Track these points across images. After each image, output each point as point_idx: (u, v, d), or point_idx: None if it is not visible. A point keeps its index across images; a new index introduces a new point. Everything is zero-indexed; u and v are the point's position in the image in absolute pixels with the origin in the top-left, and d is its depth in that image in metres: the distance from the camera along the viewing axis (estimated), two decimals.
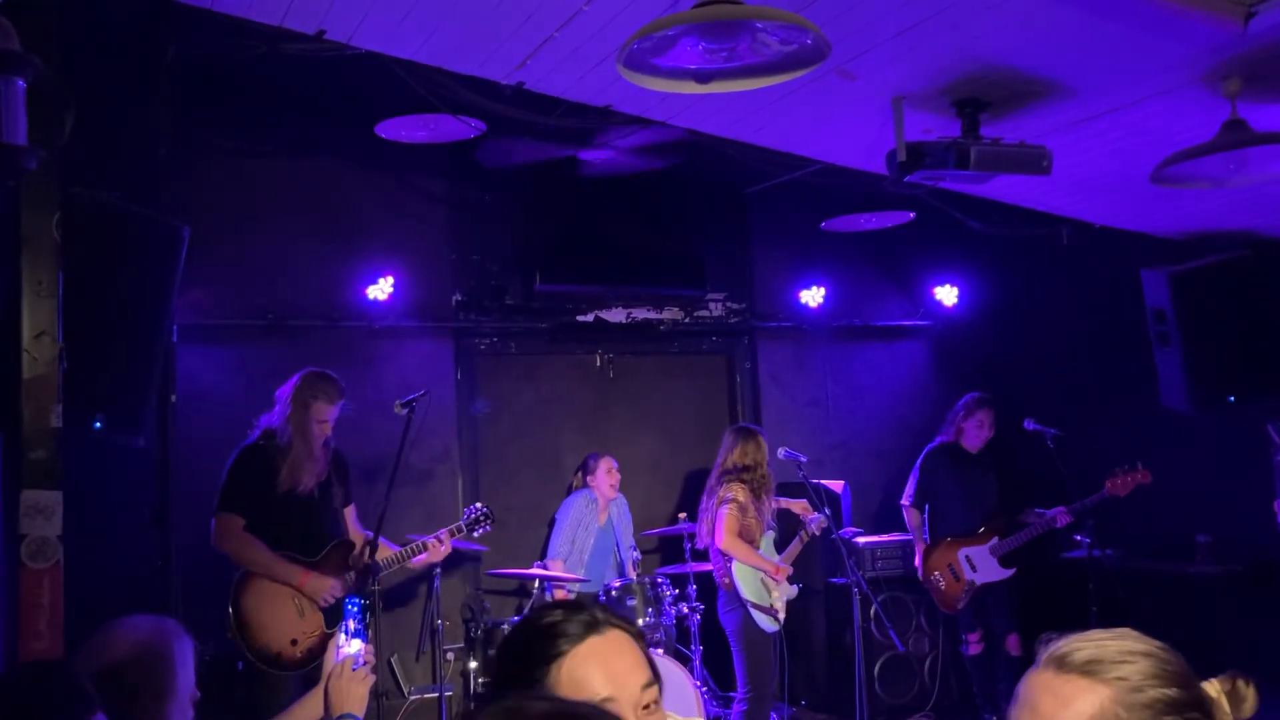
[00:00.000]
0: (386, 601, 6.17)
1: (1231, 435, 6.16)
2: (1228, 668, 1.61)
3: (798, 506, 6.12)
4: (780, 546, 6.06)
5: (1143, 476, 5.89)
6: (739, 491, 5.75)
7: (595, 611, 1.69)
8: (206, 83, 5.49)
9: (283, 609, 4.81)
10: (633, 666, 1.65)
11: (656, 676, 1.69)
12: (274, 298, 6.41)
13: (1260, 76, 3.88)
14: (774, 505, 6.11)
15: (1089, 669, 1.53)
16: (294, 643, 4.79)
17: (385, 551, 5.12)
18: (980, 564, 6.20)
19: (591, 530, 6.56)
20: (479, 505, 5.50)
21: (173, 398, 5.68)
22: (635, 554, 6.57)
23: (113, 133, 5.33)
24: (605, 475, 6.61)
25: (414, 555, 5.12)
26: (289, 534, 4.87)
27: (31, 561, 3.33)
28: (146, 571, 5.63)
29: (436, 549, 5.15)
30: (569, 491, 6.81)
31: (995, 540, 6.21)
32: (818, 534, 6.03)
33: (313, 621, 4.84)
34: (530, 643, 1.66)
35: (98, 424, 4.08)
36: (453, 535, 5.27)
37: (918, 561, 6.46)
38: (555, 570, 6.38)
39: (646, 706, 1.63)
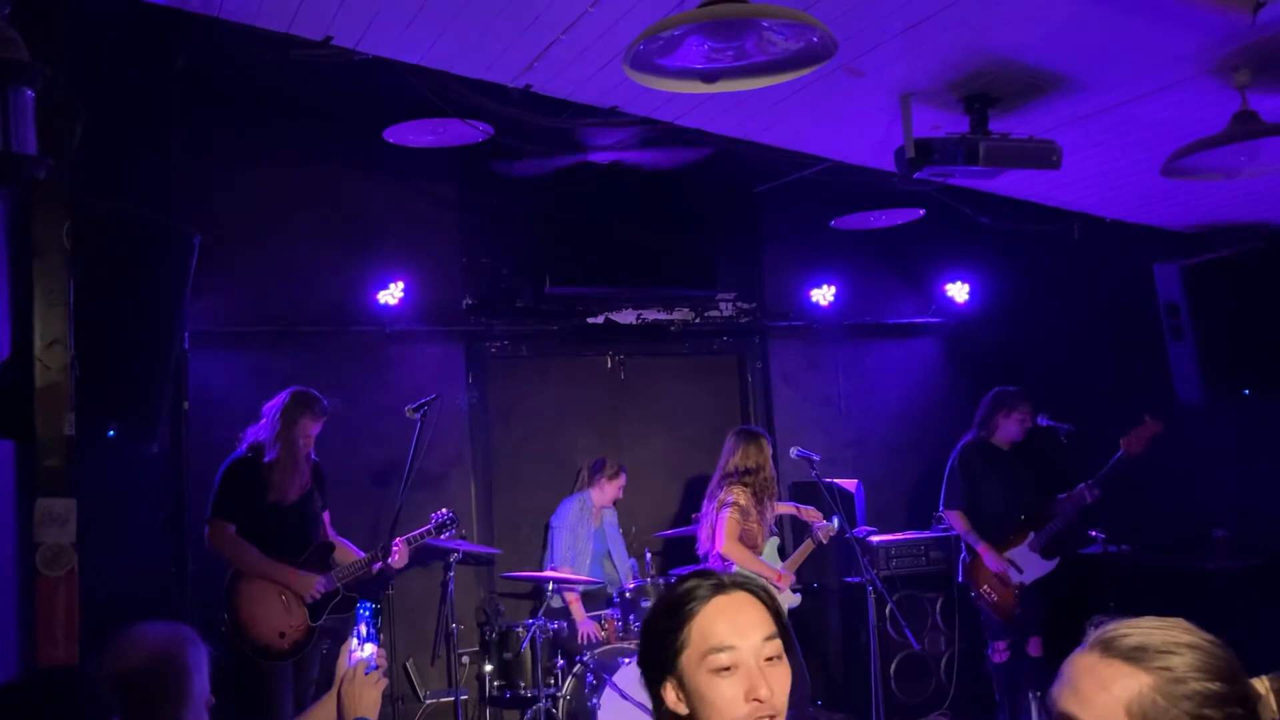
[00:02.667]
0: (401, 606, 6.19)
1: (1247, 429, 6.12)
2: (1252, 661, 1.59)
3: (807, 514, 6.08)
4: (791, 551, 6.03)
5: (1154, 426, 5.80)
6: (740, 495, 5.67)
7: (723, 576, 1.91)
8: (215, 91, 5.51)
9: (271, 604, 5.13)
10: (755, 621, 1.84)
11: (785, 634, 1.88)
12: (285, 303, 6.43)
13: (1270, 67, 3.86)
14: (785, 510, 6.07)
15: (1133, 655, 1.54)
16: (281, 635, 5.12)
17: (349, 556, 5.43)
18: (1025, 563, 6.08)
19: (588, 533, 6.54)
20: (445, 511, 5.67)
21: (185, 404, 5.73)
22: (632, 562, 6.56)
23: (123, 142, 5.36)
24: (616, 490, 6.59)
25: (373, 562, 5.37)
26: (275, 539, 5.20)
27: (47, 569, 3.34)
28: (161, 577, 5.67)
29: (396, 557, 5.38)
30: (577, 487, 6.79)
31: (1032, 535, 6.12)
32: (824, 541, 5.97)
33: (298, 615, 5.17)
34: (669, 611, 1.87)
35: (111, 432, 4.10)
36: (413, 544, 5.49)
37: (961, 572, 6.27)
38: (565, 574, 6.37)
39: (769, 659, 1.82)
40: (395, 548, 5.37)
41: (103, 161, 4.44)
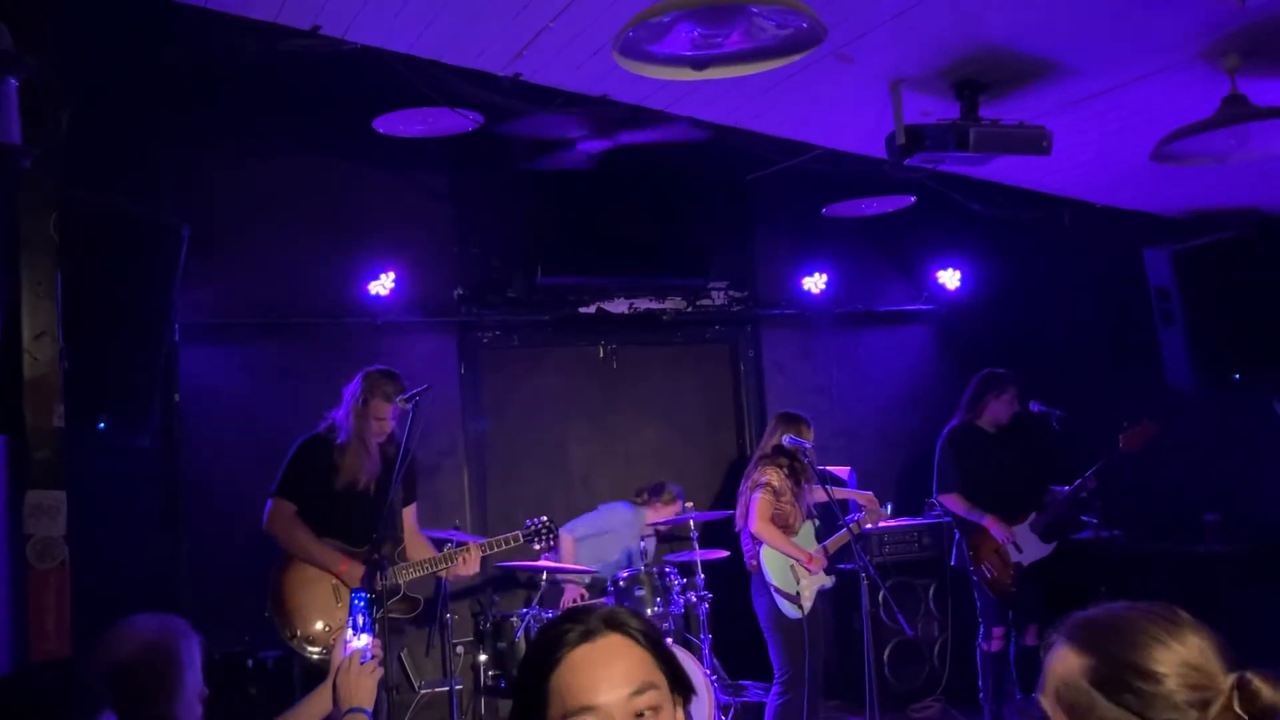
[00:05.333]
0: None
1: (1238, 413, 6.14)
2: (1243, 644, 1.55)
3: (863, 497, 6.09)
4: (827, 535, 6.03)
5: (1153, 427, 5.82)
6: (774, 475, 5.74)
7: (593, 619, 1.61)
8: (204, 81, 5.48)
9: (320, 593, 4.85)
10: (621, 674, 1.56)
11: (673, 680, 1.61)
12: (276, 295, 6.41)
13: (1259, 51, 3.86)
14: (857, 497, 6.06)
15: (1077, 638, 1.52)
16: (328, 628, 4.82)
17: (423, 553, 5.08)
18: (1025, 543, 6.10)
19: (622, 544, 6.49)
20: (543, 518, 5.40)
21: (176, 397, 5.69)
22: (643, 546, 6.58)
23: (111, 133, 5.33)
24: (672, 515, 6.49)
25: (446, 563, 5.00)
26: (338, 525, 4.90)
27: (38, 562, 3.34)
28: (155, 570, 5.65)
29: (467, 560, 5.02)
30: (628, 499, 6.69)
31: (1034, 515, 6.12)
32: (869, 526, 5.98)
33: (348, 608, 4.81)
34: (536, 655, 1.62)
35: (101, 424, 4.09)
36: (488, 550, 5.11)
37: (955, 556, 6.30)
38: (565, 546, 6.35)
39: (640, 714, 1.54)
40: (467, 548, 5.01)
41: (90, 152, 4.41)
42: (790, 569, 5.71)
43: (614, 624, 1.60)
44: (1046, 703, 1.52)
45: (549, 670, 1.57)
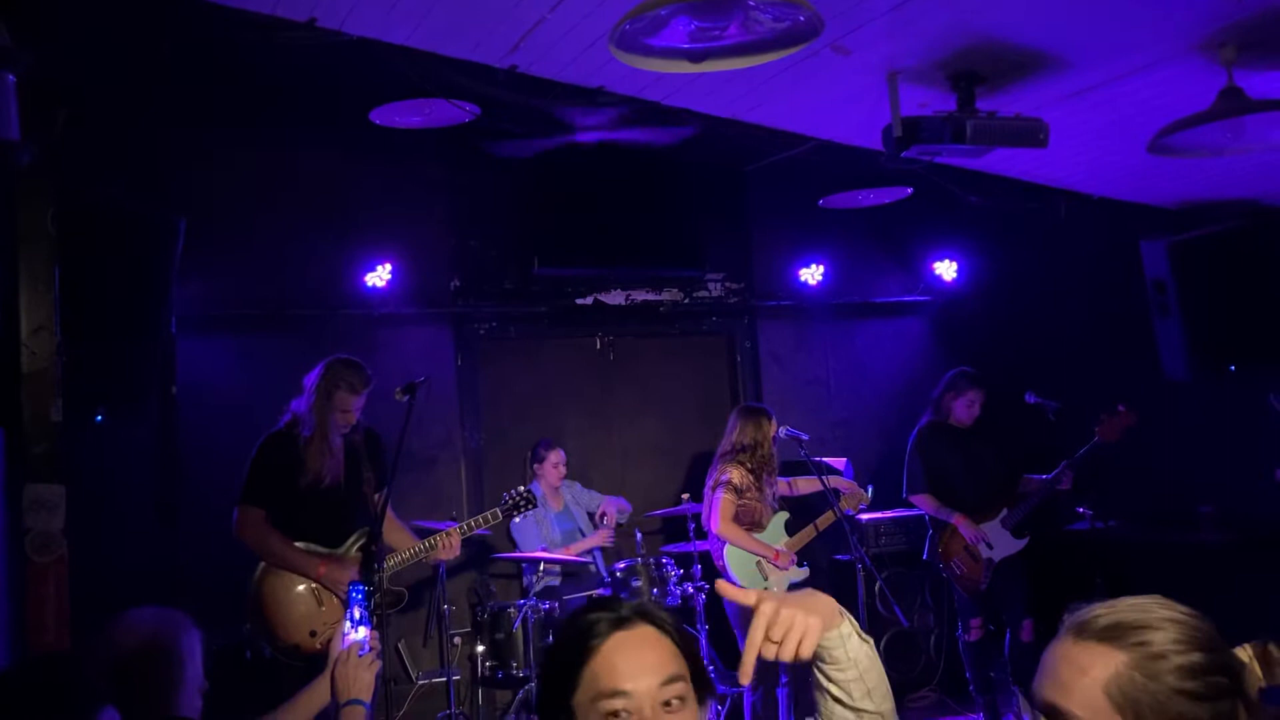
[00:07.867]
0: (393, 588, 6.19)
1: (1233, 405, 6.15)
2: (1237, 634, 1.59)
3: (846, 485, 6.08)
4: (799, 528, 6.02)
5: (1129, 417, 5.83)
6: (734, 473, 5.71)
7: (624, 609, 1.70)
8: (201, 75, 5.47)
9: (301, 600, 4.74)
10: (654, 663, 1.65)
11: (696, 676, 1.68)
12: (273, 287, 6.40)
13: (1256, 44, 3.86)
14: (829, 484, 6.06)
15: (1107, 635, 1.51)
16: (313, 634, 4.71)
17: (406, 542, 5.01)
18: (995, 539, 6.12)
19: (551, 519, 6.52)
20: (520, 489, 5.35)
21: (173, 389, 5.69)
22: (616, 500, 6.61)
23: (107, 126, 5.32)
24: (553, 468, 6.55)
25: (429, 550, 4.94)
26: (311, 526, 4.79)
27: (36, 555, 3.34)
28: (154, 563, 5.66)
29: (447, 545, 4.97)
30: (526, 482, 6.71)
31: (1005, 512, 6.13)
32: (851, 510, 5.97)
33: (333, 612, 4.73)
34: (565, 647, 1.69)
35: (99, 417, 4.09)
36: (467, 531, 5.07)
37: (927, 551, 6.33)
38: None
39: (668, 703, 1.62)
40: (446, 531, 4.96)
41: (87, 146, 4.41)
42: (757, 566, 5.70)
43: (646, 615, 1.70)
44: (1082, 707, 1.50)
45: (583, 656, 1.65)
